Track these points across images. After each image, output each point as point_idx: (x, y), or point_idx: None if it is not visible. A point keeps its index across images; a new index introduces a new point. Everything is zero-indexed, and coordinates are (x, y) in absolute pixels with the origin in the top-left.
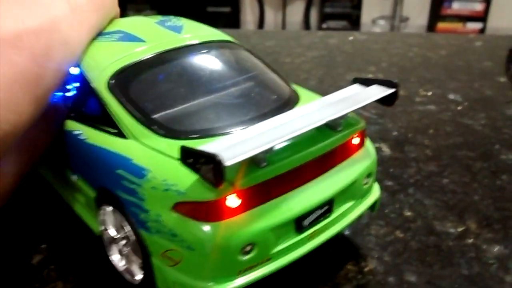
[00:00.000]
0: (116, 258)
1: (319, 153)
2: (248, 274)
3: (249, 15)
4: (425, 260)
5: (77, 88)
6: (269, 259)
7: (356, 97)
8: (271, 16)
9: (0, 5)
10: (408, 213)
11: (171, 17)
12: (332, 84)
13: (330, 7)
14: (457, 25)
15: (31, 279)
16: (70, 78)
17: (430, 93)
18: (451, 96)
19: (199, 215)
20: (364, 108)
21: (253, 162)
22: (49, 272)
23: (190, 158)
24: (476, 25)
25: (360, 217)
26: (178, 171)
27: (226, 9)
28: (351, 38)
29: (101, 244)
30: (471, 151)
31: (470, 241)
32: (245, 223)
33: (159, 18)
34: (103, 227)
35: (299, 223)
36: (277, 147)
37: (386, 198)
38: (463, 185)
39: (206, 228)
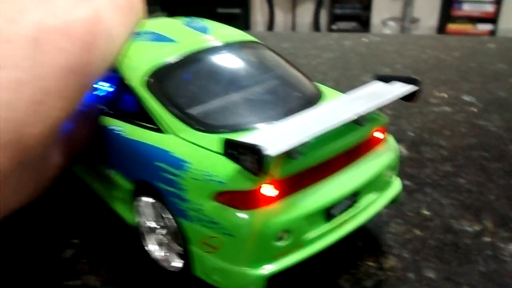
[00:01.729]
0: (154, 248)
1: (346, 146)
2: (282, 260)
3: (259, 16)
4: (443, 257)
5: (112, 86)
6: (301, 245)
7: (380, 93)
8: (280, 17)
9: None
10: (425, 212)
11: (194, 18)
12: (348, 85)
13: (340, 8)
14: (467, 27)
15: (64, 272)
16: (106, 78)
17: (444, 95)
18: (466, 98)
19: (238, 204)
20: (380, 109)
21: (288, 154)
22: (82, 266)
23: (233, 149)
24: (486, 27)
25: (383, 209)
26: (218, 163)
27: (236, 10)
28: (365, 40)
29: (132, 236)
30: (486, 152)
31: (487, 239)
32: (280, 211)
33: (184, 19)
34: (140, 218)
35: (328, 212)
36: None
37: (404, 197)
38: (479, 184)
39: (245, 215)
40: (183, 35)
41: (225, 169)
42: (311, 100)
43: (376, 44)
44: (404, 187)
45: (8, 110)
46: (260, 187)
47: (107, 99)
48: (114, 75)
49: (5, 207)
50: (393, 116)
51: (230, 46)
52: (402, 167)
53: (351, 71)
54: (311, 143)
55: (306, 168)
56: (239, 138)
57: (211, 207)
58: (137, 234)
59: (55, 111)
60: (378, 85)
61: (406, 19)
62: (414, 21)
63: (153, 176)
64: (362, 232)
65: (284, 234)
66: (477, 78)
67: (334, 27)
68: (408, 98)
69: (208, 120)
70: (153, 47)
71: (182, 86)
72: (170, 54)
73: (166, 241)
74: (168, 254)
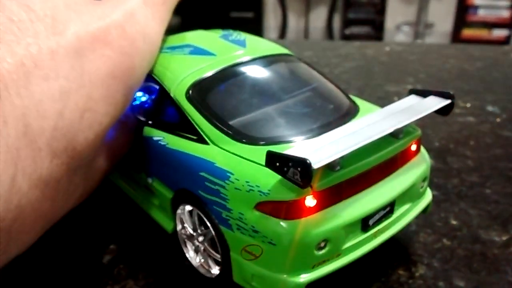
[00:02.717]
0: (192, 254)
1: (383, 158)
2: (321, 268)
3: (272, 20)
4: (472, 266)
5: (153, 97)
6: (339, 254)
7: (416, 107)
8: (293, 22)
9: (87, 5)
10: (453, 222)
11: (231, 31)
12: (371, 94)
13: (354, 12)
14: (482, 32)
15: (103, 277)
16: (145, 89)
17: (469, 105)
18: (490, 108)
19: (280, 214)
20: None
21: (328, 167)
22: (120, 271)
23: (277, 162)
24: (502, 32)
25: (415, 218)
26: (261, 174)
27: (249, 15)
28: (386, 49)
29: (169, 243)
30: (511, 163)
31: None
32: (320, 221)
33: (221, 32)
34: (180, 226)
35: (365, 223)
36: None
37: (433, 207)
38: (506, 195)
39: (287, 225)
40: (221, 49)
41: (267, 180)
42: (348, 113)
43: (398, 53)
44: (432, 197)
45: (56, 119)
46: (302, 198)
47: (146, 109)
48: (153, 86)
49: (58, 211)
50: (420, 126)
51: (267, 60)
52: (430, 178)
53: (374, 80)
54: (349, 155)
55: (345, 179)
56: (284, 151)
57: (253, 216)
58: (174, 241)
59: (102, 117)
60: (414, 99)
61: (420, 24)
62: (429, 26)
63: (197, 186)
64: (392, 241)
65: (324, 243)
66: (501, 89)
67: (347, 31)
68: (442, 112)
69: (249, 132)
70: (192, 60)
71: (222, 98)
72: (209, 67)
73: (203, 248)
74: (204, 260)
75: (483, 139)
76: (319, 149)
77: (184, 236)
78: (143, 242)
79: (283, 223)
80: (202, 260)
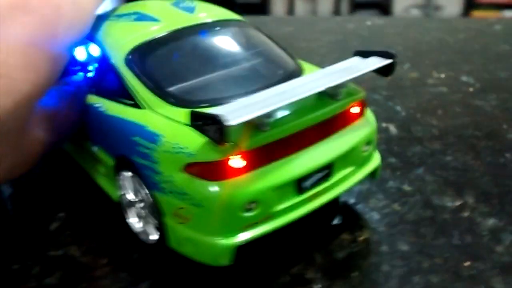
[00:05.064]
0: (134, 221)
1: (318, 119)
2: (251, 230)
3: (278, 5)
4: (419, 231)
5: (98, 66)
6: (271, 217)
7: (355, 67)
8: (300, 6)
9: None
10: (407, 188)
11: None
12: None
13: None
14: (493, 13)
15: (47, 243)
16: (92, 58)
17: (443, 75)
18: (464, 79)
19: (206, 175)
20: (375, 91)
21: (257, 127)
22: (66, 237)
23: (198, 120)
24: None
25: (359, 183)
26: (188, 135)
27: (255, 0)
28: (368, 23)
29: (115, 211)
30: (478, 131)
31: (466, 214)
32: (248, 182)
33: (174, 0)
34: (121, 192)
35: (299, 185)
36: (280, 113)
37: (388, 174)
38: (465, 162)
39: (212, 186)
40: (167, 15)
41: (194, 141)
42: (291, 75)
43: (379, 27)
44: (389, 164)
45: None
46: (228, 158)
47: (92, 79)
48: (100, 55)
49: None
50: (387, 96)
51: (213, 25)
52: (389, 146)
53: (351, 53)
54: (282, 116)
55: (275, 140)
56: (206, 110)
57: (181, 178)
58: (120, 209)
59: (21, 84)
60: (355, 60)
61: (429, 7)
62: (438, 8)
63: (131, 151)
64: (341, 206)
65: (252, 205)
66: (479, 60)
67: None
68: (385, 72)
69: (184, 96)
70: (135, 26)
71: (161, 63)
72: (152, 33)
73: (144, 215)
74: (146, 227)
75: (452, 108)
76: (242, 108)
77: (126, 203)
78: (92, 210)
79: (209, 184)
80: (142, 227)
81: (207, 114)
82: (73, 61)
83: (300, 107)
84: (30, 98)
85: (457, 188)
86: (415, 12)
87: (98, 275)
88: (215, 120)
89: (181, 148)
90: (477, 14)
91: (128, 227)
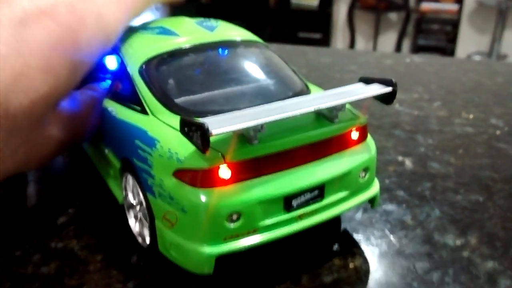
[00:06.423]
0: (132, 223)
1: (310, 139)
2: (234, 242)
3: (340, 42)
4: (413, 265)
5: (116, 72)
6: (254, 231)
7: (355, 92)
8: (361, 45)
9: None
10: (410, 222)
11: (212, 19)
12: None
13: (424, 39)
14: None
15: (51, 235)
16: (115, 66)
17: (471, 116)
18: (493, 121)
19: (193, 182)
20: (398, 125)
21: (246, 139)
22: (68, 232)
23: (186, 127)
24: None
25: (354, 208)
26: (180, 141)
27: (317, 36)
28: (407, 60)
29: (120, 213)
30: (495, 173)
31: (466, 254)
32: (233, 193)
33: (199, 19)
34: (124, 194)
35: (287, 202)
36: (272, 129)
37: (393, 206)
38: (476, 203)
39: (197, 193)
40: (187, 31)
41: (184, 148)
42: (297, 96)
43: (417, 65)
44: (397, 197)
45: None
46: (214, 168)
47: (111, 85)
48: (119, 63)
49: None
50: (410, 131)
51: (228, 43)
52: (401, 179)
53: None
54: (274, 132)
55: (264, 154)
56: (196, 119)
57: (170, 183)
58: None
59: (39, 85)
60: (357, 85)
61: (493, 55)
62: (502, 57)
63: (132, 154)
64: (338, 232)
65: (236, 216)
66: None
67: None
68: (386, 100)
69: (188, 106)
70: (155, 39)
71: (171, 74)
72: (167, 46)
73: (140, 217)
74: (142, 230)
75: (473, 148)
76: (230, 119)
77: (127, 205)
78: (99, 209)
79: (194, 191)
80: (138, 229)
81: (193, 121)
82: (99, 68)
83: (294, 126)
84: (46, 99)
85: (461, 227)
86: (478, 59)
87: (90, 269)
88: (198, 128)
89: (172, 154)
90: None
91: (129, 229)
